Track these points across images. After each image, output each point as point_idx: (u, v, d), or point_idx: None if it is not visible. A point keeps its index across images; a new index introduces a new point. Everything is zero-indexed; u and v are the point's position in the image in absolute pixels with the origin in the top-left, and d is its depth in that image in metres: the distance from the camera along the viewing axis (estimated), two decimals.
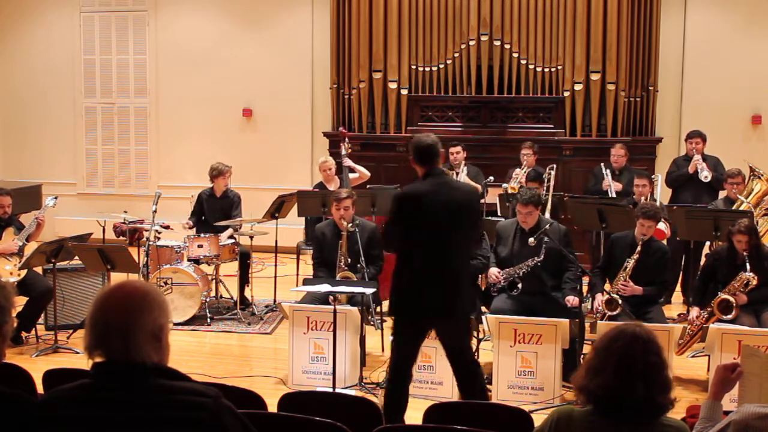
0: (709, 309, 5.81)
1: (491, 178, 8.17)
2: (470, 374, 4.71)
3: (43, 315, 6.81)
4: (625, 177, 8.12)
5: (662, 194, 7.92)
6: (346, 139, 8.42)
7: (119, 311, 2.10)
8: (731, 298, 5.70)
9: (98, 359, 2.11)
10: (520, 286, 5.82)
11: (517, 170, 8.22)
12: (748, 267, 5.70)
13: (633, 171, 8.21)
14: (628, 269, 5.95)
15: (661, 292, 6.28)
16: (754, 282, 5.69)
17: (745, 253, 5.73)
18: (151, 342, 2.11)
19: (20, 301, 6.49)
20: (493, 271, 5.97)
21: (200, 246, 7.34)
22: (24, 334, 6.66)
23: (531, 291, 5.85)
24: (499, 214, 7.86)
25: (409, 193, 4.66)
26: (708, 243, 7.13)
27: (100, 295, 2.18)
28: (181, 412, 2.06)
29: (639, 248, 5.92)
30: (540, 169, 8.17)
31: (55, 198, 7.35)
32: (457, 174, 8.21)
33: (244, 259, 7.61)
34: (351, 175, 8.28)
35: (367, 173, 8.46)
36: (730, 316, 5.69)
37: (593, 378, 2.49)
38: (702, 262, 6.94)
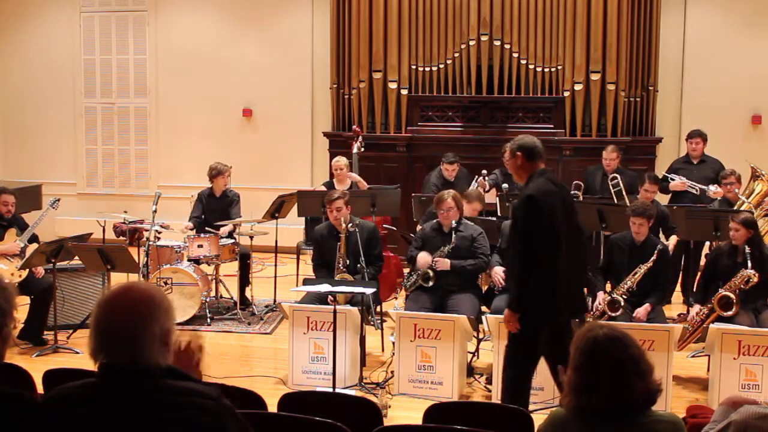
0: (709, 306, 5.81)
1: (491, 172, 8.20)
2: None
3: None
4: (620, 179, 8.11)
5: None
6: (360, 138, 8.44)
7: (127, 319, 2.09)
8: (731, 295, 5.70)
9: (104, 361, 2.11)
10: None
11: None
12: (749, 264, 5.70)
13: (627, 173, 8.20)
14: (638, 276, 5.93)
15: (664, 295, 6.29)
16: (755, 279, 5.69)
17: (747, 249, 5.72)
18: (159, 347, 2.11)
19: (22, 301, 6.49)
20: (499, 270, 5.96)
21: (200, 246, 7.33)
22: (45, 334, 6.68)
23: None
24: (499, 214, 7.87)
25: (542, 190, 4.43)
26: (708, 243, 7.12)
27: (105, 301, 2.15)
28: (183, 413, 2.06)
29: (654, 257, 5.91)
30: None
31: (58, 200, 7.34)
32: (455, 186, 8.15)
33: (244, 259, 7.61)
34: (352, 175, 8.25)
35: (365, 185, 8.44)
36: (730, 313, 5.69)
37: (589, 396, 2.47)
38: (702, 262, 6.94)
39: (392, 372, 5.73)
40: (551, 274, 4.39)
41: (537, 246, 4.36)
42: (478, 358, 6.12)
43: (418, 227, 6.89)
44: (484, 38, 9.45)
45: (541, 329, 4.53)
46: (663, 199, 7.99)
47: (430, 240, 6.27)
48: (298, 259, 8.10)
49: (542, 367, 5.36)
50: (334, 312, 5.37)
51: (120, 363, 2.08)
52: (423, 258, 6.14)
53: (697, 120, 9.11)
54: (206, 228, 7.64)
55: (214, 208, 7.88)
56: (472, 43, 9.49)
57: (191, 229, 7.76)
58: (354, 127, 9.13)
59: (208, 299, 7.41)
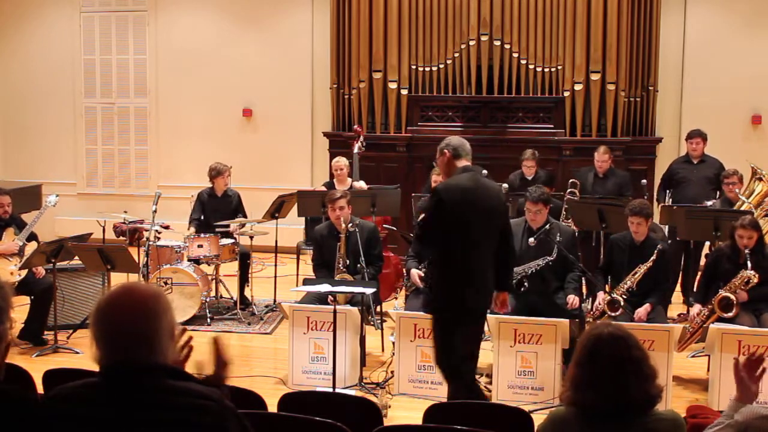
0: (709, 307, 5.80)
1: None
2: (473, 375, 4.76)
3: None
4: (610, 180, 8.11)
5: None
6: (361, 138, 8.43)
7: (140, 317, 2.09)
8: (732, 296, 5.70)
9: (112, 361, 2.10)
10: (526, 284, 5.81)
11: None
12: (749, 264, 5.70)
13: (618, 174, 8.19)
14: (638, 275, 5.91)
15: (665, 295, 6.27)
16: (755, 280, 5.68)
17: (747, 250, 5.72)
18: (169, 342, 2.14)
19: (22, 301, 6.50)
20: None
21: (200, 246, 7.34)
22: (45, 334, 6.67)
23: (533, 290, 5.85)
24: None
25: (450, 184, 4.59)
26: (708, 243, 7.11)
27: (110, 304, 2.13)
28: (184, 414, 2.06)
29: (654, 257, 5.87)
30: (545, 173, 8.28)
31: (56, 196, 7.35)
32: None
33: (244, 259, 7.61)
34: (356, 183, 8.25)
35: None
36: (730, 314, 5.68)
37: (586, 391, 2.48)
38: (702, 262, 6.93)
39: (392, 372, 5.73)
40: (445, 270, 4.52)
41: (432, 240, 4.54)
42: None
43: None
44: (484, 38, 9.45)
45: (450, 323, 4.58)
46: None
47: None
48: (298, 259, 8.10)
49: (543, 367, 5.38)
50: (334, 312, 5.36)
51: (131, 361, 2.08)
52: (414, 273, 6.23)
53: (697, 120, 9.10)
54: (215, 227, 7.65)
55: (216, 208, 7.88)
56: (472, 43, 9.48)
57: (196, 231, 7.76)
58: (355, 126, 9.13)
59: (208, 299, 7.41)
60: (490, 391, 5.57)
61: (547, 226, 5.89)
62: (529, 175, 8.32)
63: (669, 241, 7.14)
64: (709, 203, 7.51)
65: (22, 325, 6.53)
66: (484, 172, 8.13)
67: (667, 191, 8.02)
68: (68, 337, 6.73)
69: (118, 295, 2.14)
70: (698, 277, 6.66)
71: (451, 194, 4.51)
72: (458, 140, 4.79)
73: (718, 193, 7.77)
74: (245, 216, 7.91)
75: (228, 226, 7.70)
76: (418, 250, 6.16)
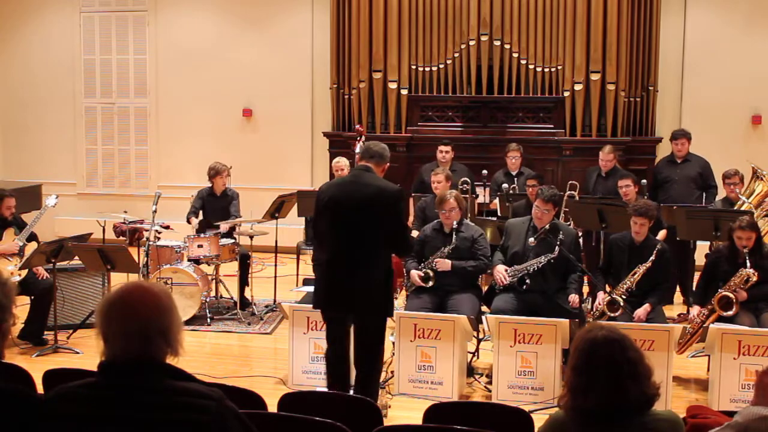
0: (709, 306, 5.80)
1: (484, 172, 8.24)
2: (363, 376, 4.81)
3: None
4: (612, 179, 8.11)
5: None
6: (363, 137, 8.45)
7: (157, 313, 2.11)
8: (731, 295, 5.69)
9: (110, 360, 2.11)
10: (528, 281, 5.81)
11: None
12: (748, 263, 5.69)
13: (621, 173, 8.20)
14: (637, 276, 5.90)
15: (665, 295, 6.27)
16: (755, 279, 5.67)
17: (745, 250, 5.71)
18: (179, 336, 2.16)
19: (22, 301, 6.49)
20: (501, 269, 5.92)
21: (200, 246, 7.34)
22: (45, 334, 6.67)
23: (534, 289, 5.84)
24: (499, 214, 7.88)
25: (325, 185, 4.95)
26: (707, 243, 7.11)
27: (125, 300, 2.13)
28: (185, 414, 2.06)
29: (653, 257, 5.86)
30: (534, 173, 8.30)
31: (56, 197, 7.36)
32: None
33: (244, 260, 7.60)
34: None
35: None
36: (730, 313, 5.67)
37: (584, 396, 2.48)
38: (702, 262, 6.92)
39: (392, 372, 5.72)
40: (321, 267, 4.81)
41: (320, 240, 4.87)
42: (478, 358, 6.12)
43: (415, 232, 6.87)
44: (484, 38, 9.45)
45: (325, 317, 4.84)
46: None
47: (431, 240, 6.26)
48: (298, 259, 8.10)
49: (543, 367, 5.38)
50: None
51: (143, 356, 2.09)
52: (414, 274, 6.20)
53: (697, 120, 9.11)
54: (211, 225, 7.66)
55: (216, 208, 7.90)
56: (472, 43, 9.49)
57: (197, 227, 7.76)
58: (357, 126, 9.11)
59: (208, 299, 7.41)
60: (490, 391, 5.57)
61: (547, 226, 5.88)
62: (513, 169, 8.35)
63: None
64: (717, 200, 7.52)
65: (23, 325, 6.53)
66: (484, 172, 8.31)
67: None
68: (68, 337, 6.73)
69: (131, 291, 2.15)
70: (697, 278, 6.65)
71: (323, 193, 4.78)
72: (367, 144, 4.97)
73: (704, 194, 7.77)
74: (237, 215, 7.87)
75: (225, 226, 7.69)
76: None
